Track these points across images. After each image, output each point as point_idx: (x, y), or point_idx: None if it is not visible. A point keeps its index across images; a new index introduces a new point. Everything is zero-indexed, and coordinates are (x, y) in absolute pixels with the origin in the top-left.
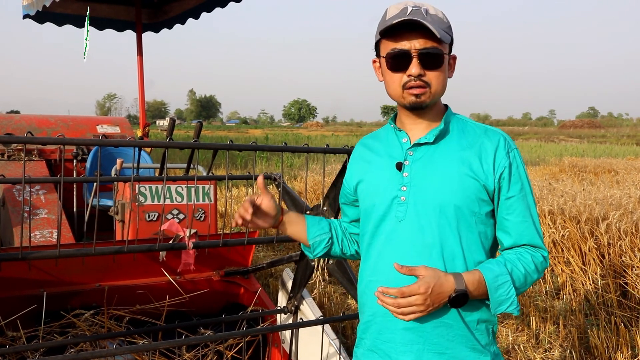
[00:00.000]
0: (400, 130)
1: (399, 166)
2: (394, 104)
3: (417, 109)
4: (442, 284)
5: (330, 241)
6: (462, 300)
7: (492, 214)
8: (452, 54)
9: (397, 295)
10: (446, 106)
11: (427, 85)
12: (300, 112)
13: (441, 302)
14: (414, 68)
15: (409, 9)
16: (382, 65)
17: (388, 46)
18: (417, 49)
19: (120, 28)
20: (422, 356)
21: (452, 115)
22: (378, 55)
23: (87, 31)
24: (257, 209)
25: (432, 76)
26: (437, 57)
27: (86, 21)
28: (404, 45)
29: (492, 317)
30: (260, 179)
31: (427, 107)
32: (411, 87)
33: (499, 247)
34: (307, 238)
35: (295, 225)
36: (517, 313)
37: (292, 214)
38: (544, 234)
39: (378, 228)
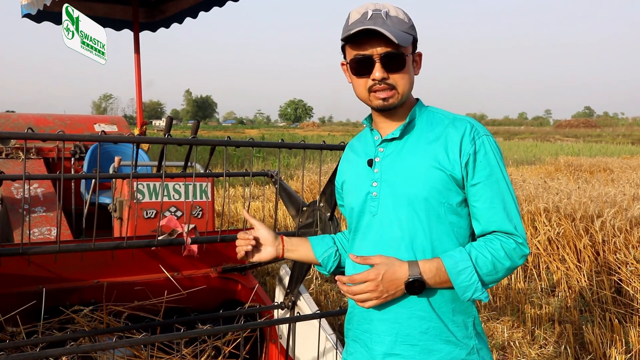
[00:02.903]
0: (373, 130)
1: (370, 163)
2: None
3: (386, 111)
4: (396, 271)
5: (337, 253)
6: (417, 287)
7: (466, 203)
8: (417, 51)
9: (350, 283)
10: (417, 100)
11: (393, 87)
12: (297, 112)
13: (397, 289)
14: (377, 72)
15: (369, 14)
16: (348, 70)
17: (351, 52)
18: (378, 54)
19: (117, 27)
20: (394, 347)
21: (422, 108)
22: (345, 58)
23: (69, 30)
24: (255, 241)
25: (396, 78)
26: (399, 60)
27: (64, 20)
28: (366, 50)
29: (468, 309)
30: (244, 212)
31: (397, 107)
32: (377, 91)
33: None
34: (315, 257)
35: (301, 249)
36: (486, 299)
37: (294, 239)
38: (539, 231)
39: (358, 224)
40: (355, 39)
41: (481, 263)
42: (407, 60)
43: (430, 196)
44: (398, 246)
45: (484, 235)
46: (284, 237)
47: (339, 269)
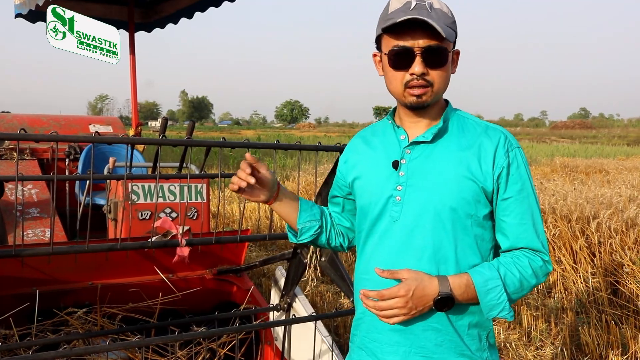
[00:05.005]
0: (398, 127)
1: (396, 165)
2: (386, 104)
3: (419, 109)
4: (425, 287)
5: (319, 229)
6: (447, 303)
7: (491, 215)
8: (455, 49)
9: (378, 298)
10: (447, 102)
11: (429, 84)
12: (293, 113)
13: (425, 305)
14: (417, 66)
15: (413, 3)
16: (382, 61)
17: (390, 43)
18: (420, 47)
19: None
20: (408, 358)
21: (453, 111)
22: (379, 49)
23: (58, 30)
24: (254, 180)
25: (435, 75)
26: (441, 55)
27: (51, 21)
28: (407, 42)
29: (484, 322)
30: (248, 155)
31: (430, 106)
32: (413, 87)
33: (500, 249)
34: (296, 221)
35: (288, 206)
36: (511, 318)
37: (288, 193)
38: None
39: (373, 227)
40: (397, 29)
41: (509, 281)
42: (448, 57)
43: (458, 207)
44: (420, 256)
45: (510, 250)
46: (281, 187)
47: (311, 243)
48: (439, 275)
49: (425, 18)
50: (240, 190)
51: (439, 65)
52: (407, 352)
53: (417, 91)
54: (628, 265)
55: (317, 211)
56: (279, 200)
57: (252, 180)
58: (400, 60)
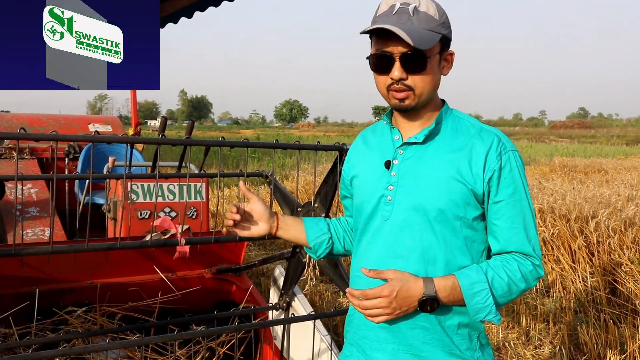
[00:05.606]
0: (393, 128)
1: (388, 165)
2: (385, 104)
3: (404, 112)
4: (410, 287)
5: (330, 241)
6: (431, 305)
7: (483, 217)
8: (448, 50)
9: (362, 297)
10: (443, 102)
11: (410, 88)
12: (292, 112)
13: (409, 305)
14: (396, 71)
15: (396, 7)
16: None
17: (374, 47)
18: (399, 52)
19: None
20: (396, 356)
21: (448, 112)
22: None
23: (55, 31)
24: (246, 215)
25: (415, 79)
26: (420, 61)
27: (48, 21)
28: (388, 47)
29: (475, 323)
30: (241, 184)
31: (417, 108)
32: (395, 90)
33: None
34: (307, 241)
35: (294, 230)
36: (498, 322)
37: (288, 219)
38: None
39: (367, 225)
40: (378, 33)
41: (497, 285)
42: (429, 61)
43: (447, 208)
44: (409, 256)
45: (500, 254)
46: (279, 216)
47: (329, 256)
48: (426, 276)
49: (395, 28)
50: (235, 227)
51: (418, 70)
52: (396, 350)
53: (398, 95)
54: (626, 264)
55: (323, 224)
56: (282, 228)
57: (238, 217)
58: (381, 64)
